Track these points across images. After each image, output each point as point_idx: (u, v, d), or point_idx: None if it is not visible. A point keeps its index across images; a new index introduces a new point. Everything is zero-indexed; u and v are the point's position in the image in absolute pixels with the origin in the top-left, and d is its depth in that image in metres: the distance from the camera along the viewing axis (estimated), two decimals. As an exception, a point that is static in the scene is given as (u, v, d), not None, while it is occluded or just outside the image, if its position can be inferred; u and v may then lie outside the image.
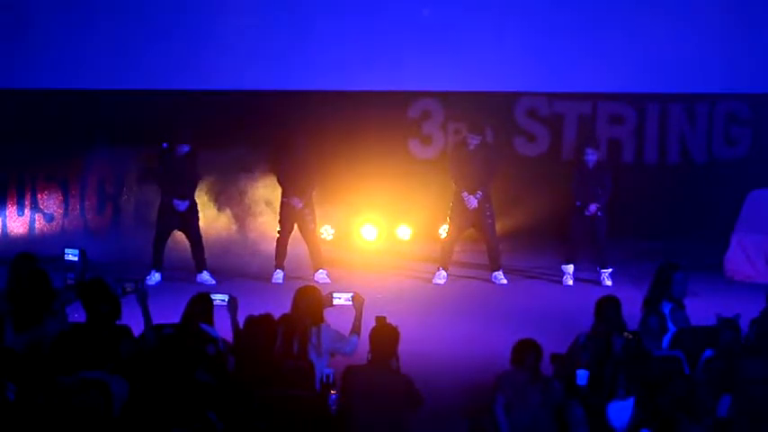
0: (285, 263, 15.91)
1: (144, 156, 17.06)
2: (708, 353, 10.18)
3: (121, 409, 8.95)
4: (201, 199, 16.53)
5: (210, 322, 10.46)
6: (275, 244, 15.99)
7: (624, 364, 9.88)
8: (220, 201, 17.22)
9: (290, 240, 15.95)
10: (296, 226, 15.94)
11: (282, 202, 16.00)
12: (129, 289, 10.44)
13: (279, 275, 15.92)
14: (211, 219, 16.91)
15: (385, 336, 9.78)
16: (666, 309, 11.42)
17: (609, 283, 15.93)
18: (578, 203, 15.97)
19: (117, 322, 9.94)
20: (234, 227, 17.17)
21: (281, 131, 16.71)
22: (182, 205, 15.69)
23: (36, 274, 10.66)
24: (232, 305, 10.60)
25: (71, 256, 11.48)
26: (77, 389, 8.73)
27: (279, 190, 16.12)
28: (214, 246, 16.40)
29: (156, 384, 9.12)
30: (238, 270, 16.15)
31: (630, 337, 10.20)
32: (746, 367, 9.59)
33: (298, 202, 15.82)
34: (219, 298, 10.60)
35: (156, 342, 9.93)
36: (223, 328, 10.55)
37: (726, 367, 9.65)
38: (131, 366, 9.42)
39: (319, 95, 18.00)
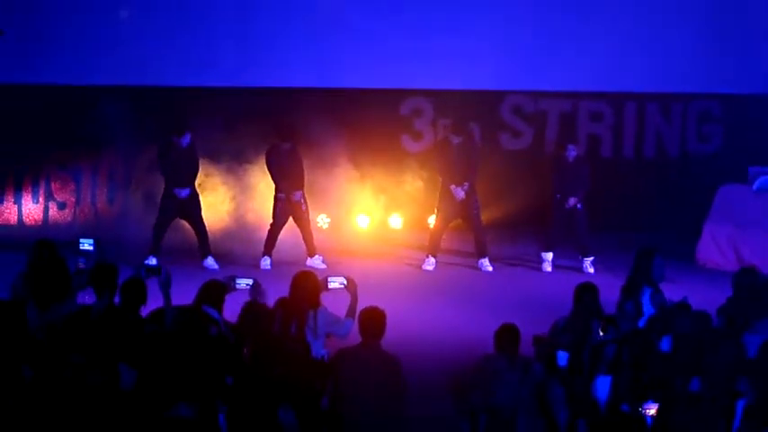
0: (280, 249, 15.89)
1: (151, 148, 17.02)
2: (666, 340, 10.19)
3: (130, 389, 8.97)
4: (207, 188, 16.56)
5: (219, 306, 10.45)
6: (267, 234, 15.96)
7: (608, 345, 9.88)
8: (220, 190, 17.21)
9: (282, 229, 15.95)
10: (290, 218, 15.93)
11: (277, 197, 15.90)
12: (152, 273, 10.42)
13: (266, 262, 15.88)
14: (212, 207, 16.90)
15: (372, 318, 9.78)
16: (647, 293, 11.45)
17: (591, 270, 15.92)
18: (558, 196, 16.00)
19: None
20: (231, 215, 17.14)
21: (271, 128, 16.63)
22: (183, 192, 15.69)
23: (58, 261, 10.60)
24: (254, 290, 10.57)
25: (86, 245, 11.39)
26: (88, 368, 8.73)
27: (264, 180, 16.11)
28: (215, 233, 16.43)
29: (163, 364, 9.14)
30: (229, 257, 16.16)
31: (602, 324, 10.19)
32: (716, 351, 9.64)
33: (299, 196, 15.81)
34: (245, 282, 10.57)
35: (174, 325, 9.94)
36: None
37: (695, 350, 9.68)
38: (148, 346, 9.41)
39: (317, 93, 17.95)
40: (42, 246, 11.04)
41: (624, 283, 11.87)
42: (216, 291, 10.47)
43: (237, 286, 10.58)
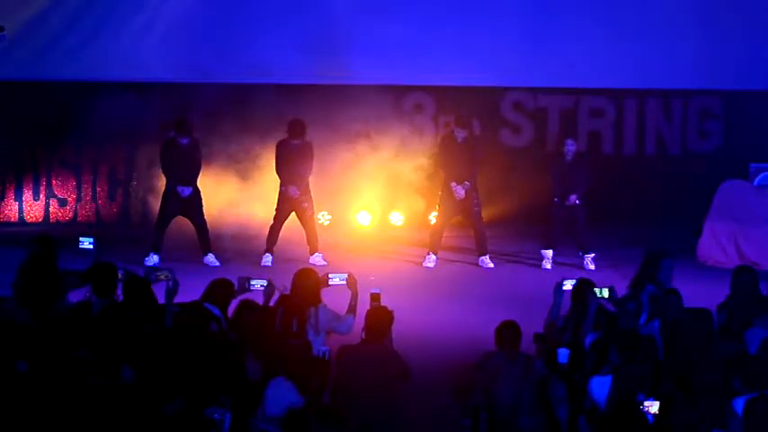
0: (280, 245, 15.90)
1: (152, 145, 17.03)
2: (656, 322, 10.23)
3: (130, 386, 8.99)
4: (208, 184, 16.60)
5: (224, 304, 10.45)
6: (268, 229, 15.97)
7: (609, 341, 9.88)
8: (224, 187, 17.22)
9: (283, 226, 15.95)
10: (294, 213, 15.94)
11: (280, 191, 15.94)
12: (161, 277, 10.42)
13: (268, 259, 15.89)
14: (216, 203, 16.89)
15: (380, 317, 9.79)
16: (647, 292, 11.45)
17: (592, 267, 15.92)
18: (558, 193, 15.98)
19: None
20: (230, 212, 17.15)
21: (277, 123, 16.65)
22: (185, 191, 15.69)
23: (48, 259, 10.59)
24: (268, 290, 10.57)
25: (86, 243, 11.41)
26: (89, 364, 8.76)
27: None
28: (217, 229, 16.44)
29: (161, 359, 9.17)
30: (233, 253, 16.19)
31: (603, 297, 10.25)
32: (717, 348, 9.68)
33: (294, 191, 15.79)
34: (260, 283, 10.58)
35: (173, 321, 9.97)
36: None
37: (696, 347, 9.70)
38: (148, 343, 9.44)
39: (321, 89, 17.97)
40: (36, 243, 11.05)
41: (631, 281, 11.83)
42: (220, 289, 10.49)
43: (252, 287, 10.59)
